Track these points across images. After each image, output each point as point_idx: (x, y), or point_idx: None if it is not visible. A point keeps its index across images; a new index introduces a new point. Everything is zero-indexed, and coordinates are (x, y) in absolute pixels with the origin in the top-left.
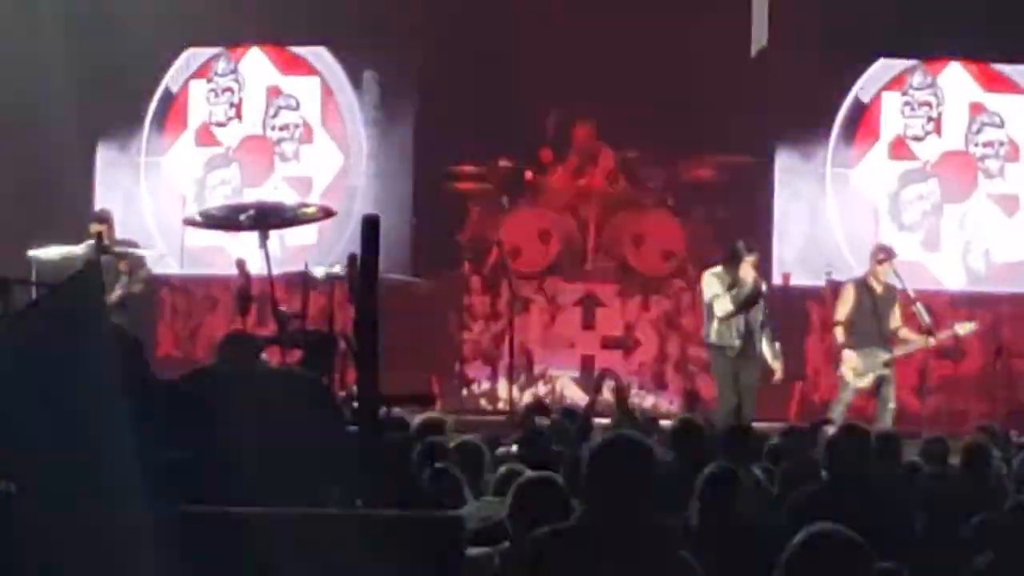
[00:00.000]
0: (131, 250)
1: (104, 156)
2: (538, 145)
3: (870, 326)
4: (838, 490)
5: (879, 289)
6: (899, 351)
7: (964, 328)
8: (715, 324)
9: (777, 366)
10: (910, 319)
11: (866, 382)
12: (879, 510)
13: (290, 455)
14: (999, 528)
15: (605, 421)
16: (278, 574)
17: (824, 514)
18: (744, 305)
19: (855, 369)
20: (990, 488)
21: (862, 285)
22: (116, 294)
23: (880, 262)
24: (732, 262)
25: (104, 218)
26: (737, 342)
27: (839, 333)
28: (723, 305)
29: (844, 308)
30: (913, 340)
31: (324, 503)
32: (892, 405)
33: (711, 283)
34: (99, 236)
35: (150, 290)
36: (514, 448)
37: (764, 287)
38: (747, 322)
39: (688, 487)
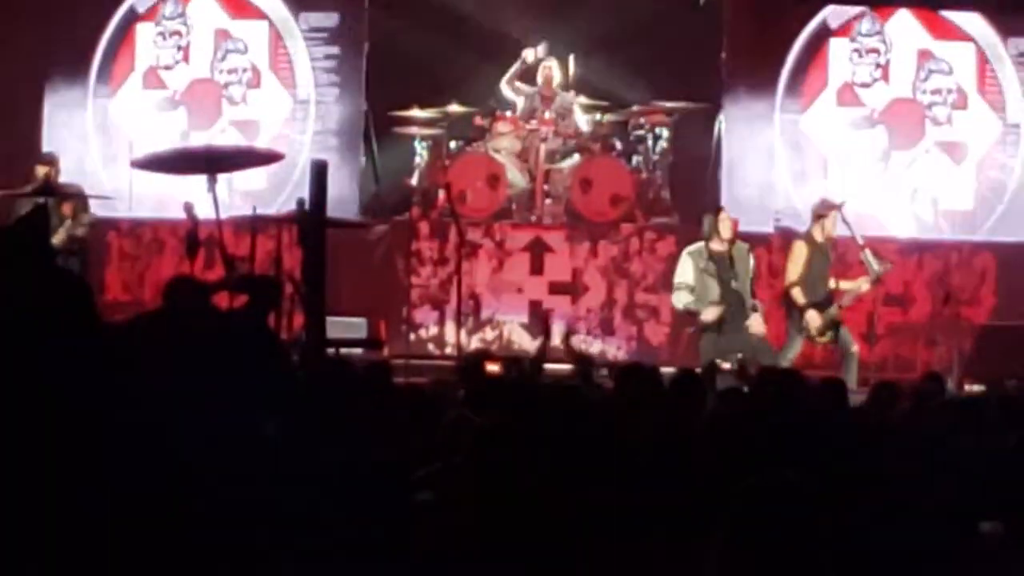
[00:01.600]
0: (75, 193)
1: (52, 99)
2: (488, 91)
3: (822, 282)
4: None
5: (824, 243)
6: (844, 301)
7: (882, 265)
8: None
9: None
10: (858, 266)
11: (828, 338)
12: (827, 455)
13: (235, 396)
14: (944, 474)
15: (555, 366)
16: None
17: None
18: (720, 272)
19: (818, 328)
20: (936, 435)
21: (810, 241)
22: (59, 237)
23: (820, 217)
24: (711, 231)
25: (50, 160)
26: (716, 314)
27: (797, 294)
28: (681, 297)
29: (797, 267)
30: (849, 288)
31: (267, 442)
32: (855, 349)
33: (681, 271)
34: (45, 178)
35: (92, 234)
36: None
37: (741, 244)
38: (729, 292)
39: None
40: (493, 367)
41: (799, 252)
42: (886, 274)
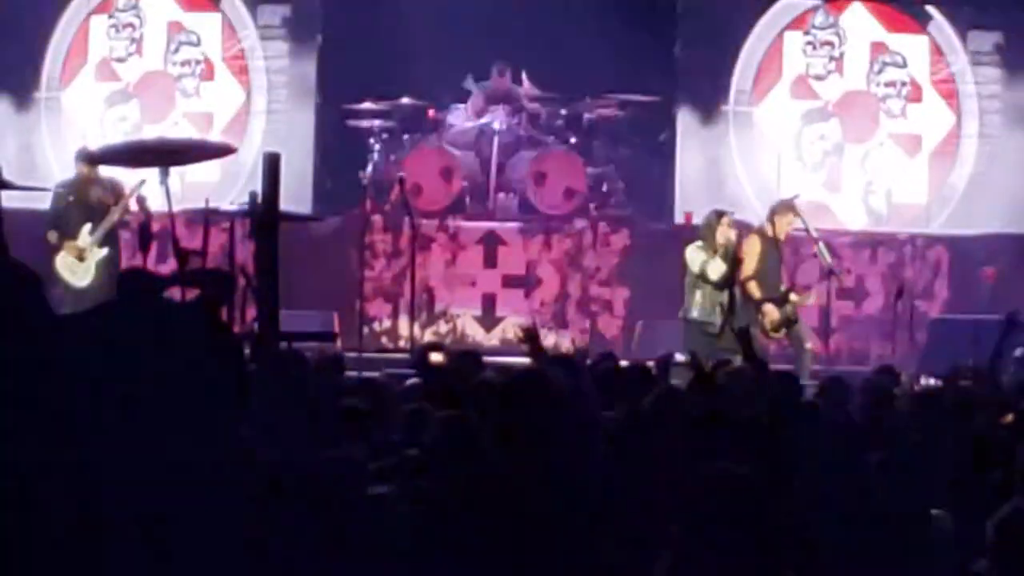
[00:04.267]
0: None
1: (4, 91)
2: (441, 84)
3: (777, 277)
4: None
5: (780, 238)
6: (798, 303)
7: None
8: (697, 298)
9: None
10: (812, 259)
11: (781, 334)
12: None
13: (186, 389)
14: (897, 467)
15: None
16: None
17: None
18: (733, 265)
19: (773, 323)
20: (889, 428)
21: (764, 236)
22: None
23: (775, 213)
24: (707, 232)
25: None
26: (719, 319)
27: (753, 288)
28: (716, 268)
29: (752, 261)
30: (796, 301)
31: (219, 438)
32: (809, 345)
33: (695, 255)
34: None
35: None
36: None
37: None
38: (731, 298)
39: None
40: (437, 357)
41: (753, 247)
42: (838, 267)
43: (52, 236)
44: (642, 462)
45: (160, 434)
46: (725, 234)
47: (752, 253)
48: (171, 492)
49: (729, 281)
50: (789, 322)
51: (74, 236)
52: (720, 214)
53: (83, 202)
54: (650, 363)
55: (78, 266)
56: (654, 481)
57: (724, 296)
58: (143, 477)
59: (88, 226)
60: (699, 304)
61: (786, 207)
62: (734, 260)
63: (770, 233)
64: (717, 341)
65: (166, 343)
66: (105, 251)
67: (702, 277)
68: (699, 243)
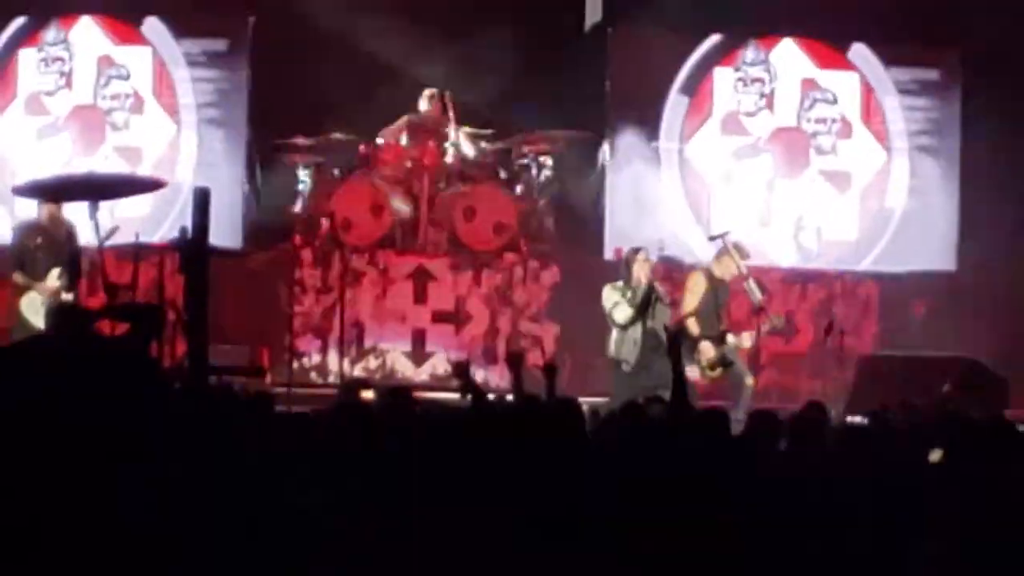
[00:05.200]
0: None
1: None
2: (372, 119)
3: (717, 317)
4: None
5: (725, 280)
6: (734, 345)
7: (778, 320)
8: (613, 335)
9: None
10: (742, 295)
11: (717, 373)
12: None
13: (115, 425)
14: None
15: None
16: None
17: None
18: (641, 306)
19: (709, 361)
20: (818, 464)
21: (710, 275)
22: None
23: (723, 254)
24: (624, 270)
25: None
26: (634, 355)
27: (692, 325)
28: (622, 311)
29: (694, 299)
30: (732, 341)
31: (148, 474)
32: (750, 380)
33: (609, 295)
34: None
35: None
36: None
37: (658, 286)
38: (645, 333)
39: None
40: (367, 394)
41: (697, 284)
42: (767, 303)
43: (18, 278)
44: (564, 500)
45: (82, 467)
46: (639, 272)
47: (695, 290)
48: (89, 526)
49: (636, 322)
50: (725, 362)
51: (42, 278)
52: (635, 251)
53: (50, 244)
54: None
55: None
56: (574, 519)
57: (638, 331)
58: (67, 508)
59: (57, 270)
60: (615, 342)
61: (737, 250)
62: (645, 300)
63: (717, 273)
64: (636, 379)
65: (95, 377)
66: (73, 295)
67: (609, 317)
68: (618, 282)
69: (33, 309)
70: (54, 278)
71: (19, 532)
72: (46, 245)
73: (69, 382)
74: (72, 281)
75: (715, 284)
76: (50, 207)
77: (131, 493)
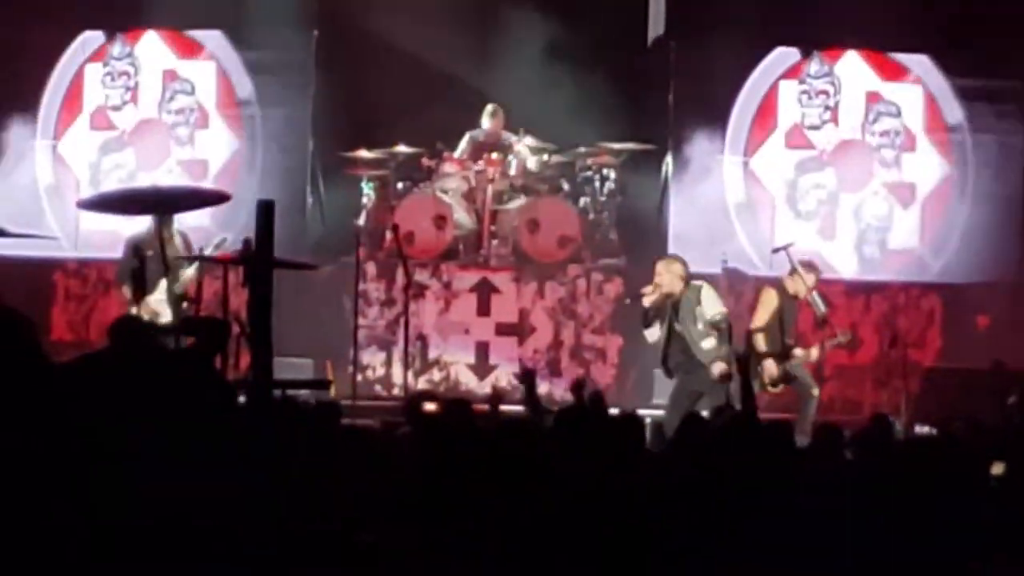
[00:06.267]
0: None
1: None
2: (435, 132)
3: (784, 334)
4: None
5: (799, 296)
6: (801, 359)
7: (844, 337)
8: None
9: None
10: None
11: (779, 389)
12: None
13: (180, 437)
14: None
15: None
16: None
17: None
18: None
19: (772, 378)
20: (882, 477)
21: (783, 292)
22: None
23: (796, 272)
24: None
25: None
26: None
27: (759, 341)
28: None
29: (764, 314)
30: (799, 355)
31: (216, 485)
32: (816, 391)
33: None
34: None
35: (38, 273)
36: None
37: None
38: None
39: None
40: (431, 407)
41: (769, 300)
42: (831, 316)
43: (127, 291)
44: (630, 511)
45: (149, 478)
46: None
47: (767, 305)
48: (162, 535)
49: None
50: (788, 378)
51: (150, 292)
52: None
53: (160, 257)
54: (641, 411)
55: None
56: (641, 529)
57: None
58: (135, 521)
59: (164, 282)
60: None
61: (812, 269)
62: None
63: (790, 290)
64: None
65: (159, 391)
66: (184, 306)
67: (722, 321)
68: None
69: None
70: (161, 291)
71: (82, 541)
72: (155, 259)
73: (133, 396)
74: (179, 294)
75: (786, 301)
76: (163, 219)
77: (196, 505)
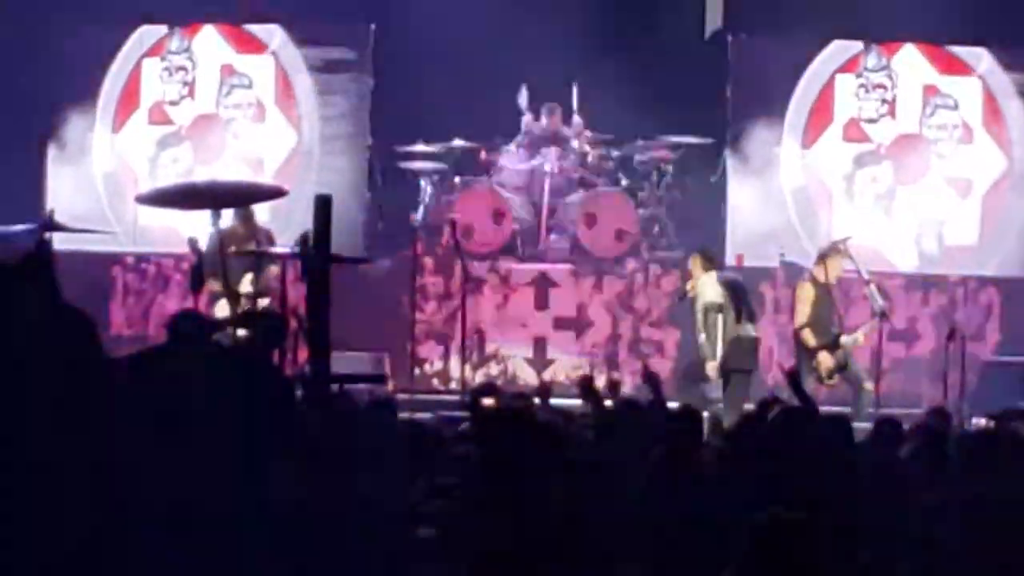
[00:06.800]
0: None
1: (58, 133)
2: (492, 126)
3: (830, 323)
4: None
5: (832, 283)
6: (849, 345)
7: (877, 306)
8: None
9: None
10: (862, 301)
11: (835, 380)
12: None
13: (238, 432)
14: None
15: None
16: None
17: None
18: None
19: (828, 370)
20: (942, 471)
21: (816, 282)
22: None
23: (824, 257)
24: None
25: None
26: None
27: (808, 336)
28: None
29: (806, 309)
30: (846, 342)
31: (271, 480)
32: (869, 385)
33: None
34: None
35: (97, 268)
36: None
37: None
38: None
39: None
40: (489, 401)
41: (806, 294)
42: (890, 310)
43: (213, 285)
44: (693, 506)
45: (208, 473)
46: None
47: (806, 300)
48: (217, 530)
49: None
50: (841, 367)
51: (235, 285)
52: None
53: (244, 252)
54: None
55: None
56: (704, 526)
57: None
58: (190, 515)
59: (250, 276)
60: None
61: (836, 250)
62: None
63: (822, 279)
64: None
65: (217, 385)
66: (267, 301)
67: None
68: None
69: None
70: (247, 284)
71: (138, 537)
72: (238, 255)
73: (192, 390)
74: (262, 286)
75: (822, 290)
76: (244, 213)
77: (253, 499)
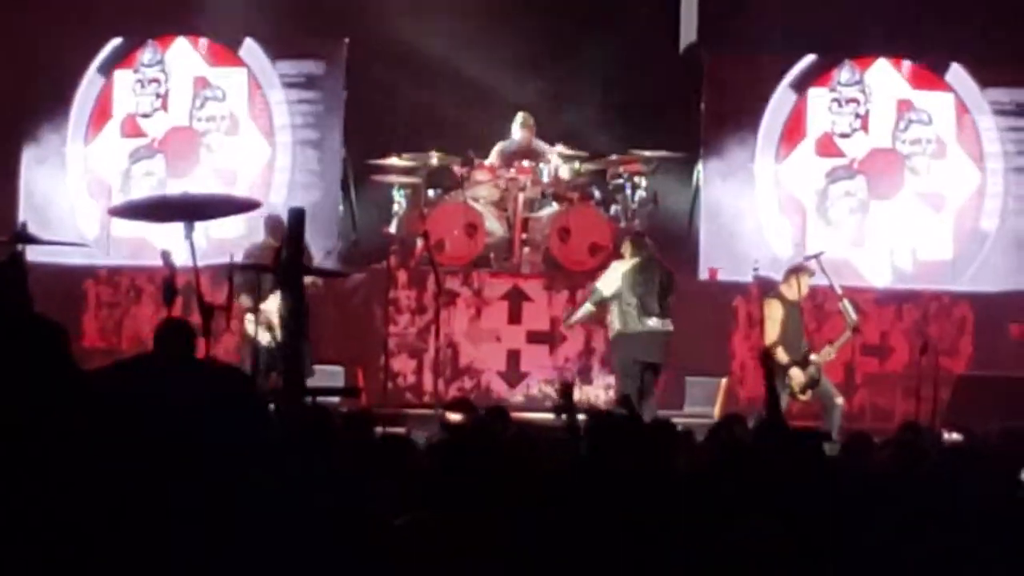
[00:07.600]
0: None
1: (29, 146)
2: (466, 140)
3: (798, 339)
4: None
5: (800, 300)
6: (820, 360)
7: (850, 321)
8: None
9: None
10: (836, 316)
11: (808, 396)
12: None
13: (214, 445)
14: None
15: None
16: None
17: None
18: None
19: (800, 385)
20: (913, 486)
21: (784, 300)
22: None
23: (792, 274)
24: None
25: None
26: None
27: (781, 354)
28: None
29: (775, 326)
30: (817, 359)
31: (245, 494)
32: (840, 400)
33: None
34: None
35: (69, 280)
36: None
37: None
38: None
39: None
40: (455, 416)
41: (775, 311)
42: (862, 324)
43: (245, 300)
44: (665, 521)
45: (187, 485)
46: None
47: (775, 318)
48: (197, 544)
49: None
50: (814, 382)
51: (264, 300)
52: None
53: (276, 268)
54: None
55: (269, 330)
56: (676, 543)
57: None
58: (167, 528)
59: (280, 291)
60: None
61: (803, 268)
62: None
63: (790, 296)
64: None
65: (199, 397)
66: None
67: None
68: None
69: (260, 329)
70: (275, 300)
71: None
72: (270, 271)
73: (169, 398)
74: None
75: (790, 307)
76: (273, 234)
77: (225, 510)
